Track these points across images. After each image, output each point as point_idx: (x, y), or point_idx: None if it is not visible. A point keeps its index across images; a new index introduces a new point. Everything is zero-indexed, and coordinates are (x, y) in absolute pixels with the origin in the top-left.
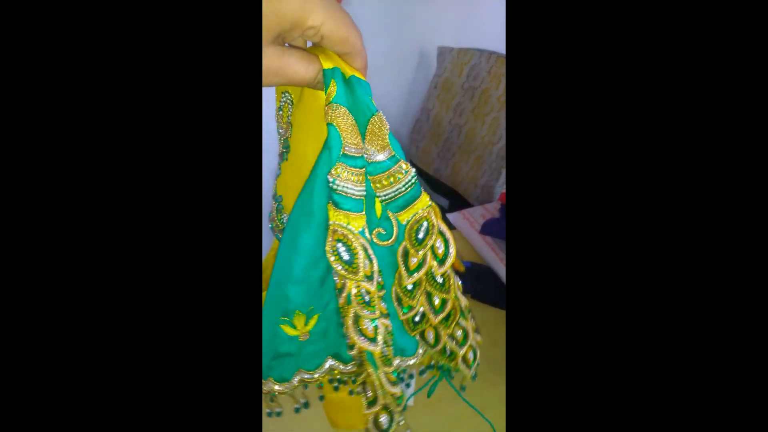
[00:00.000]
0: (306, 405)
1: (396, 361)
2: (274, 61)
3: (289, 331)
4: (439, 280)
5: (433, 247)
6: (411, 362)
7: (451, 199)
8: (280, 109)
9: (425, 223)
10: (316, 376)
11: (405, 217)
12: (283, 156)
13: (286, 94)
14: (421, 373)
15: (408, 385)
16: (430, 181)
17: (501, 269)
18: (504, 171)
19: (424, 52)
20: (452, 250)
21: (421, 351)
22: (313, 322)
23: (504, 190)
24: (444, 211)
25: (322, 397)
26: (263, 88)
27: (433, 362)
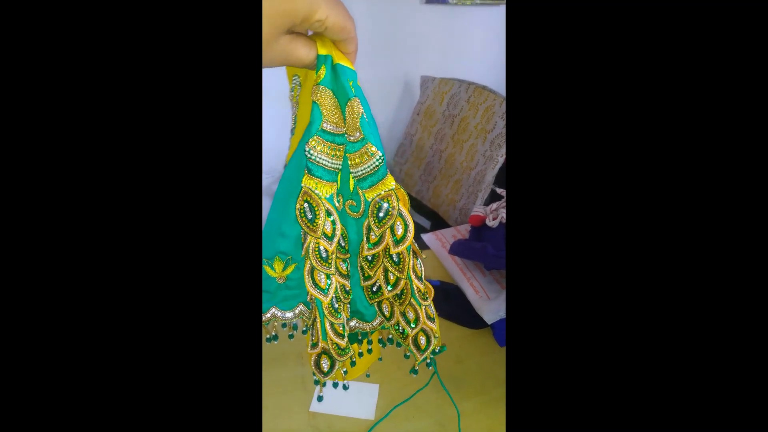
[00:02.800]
0: (275, 338)
1: (353, 323)
2: (285, 46)
3: (269, 271)
4: (395, 258)
5: (392, 228)
6: (367, 327)
7: (433, 220)
8: (291, 90)
9: (386, 204)
10: (288, 315)
11: (370, 195)
12: (292, 131)
13: (296, 78)
14: (381, 343)
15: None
16: (413, 203)
17: (468, 289)
18: (480, 195)
19: (409, 80)
20: (410, 234)
21: (377, 321)
22: (289, 269)
23: (474, 213)
24: (425, 232)
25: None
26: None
27: (390, 336)
